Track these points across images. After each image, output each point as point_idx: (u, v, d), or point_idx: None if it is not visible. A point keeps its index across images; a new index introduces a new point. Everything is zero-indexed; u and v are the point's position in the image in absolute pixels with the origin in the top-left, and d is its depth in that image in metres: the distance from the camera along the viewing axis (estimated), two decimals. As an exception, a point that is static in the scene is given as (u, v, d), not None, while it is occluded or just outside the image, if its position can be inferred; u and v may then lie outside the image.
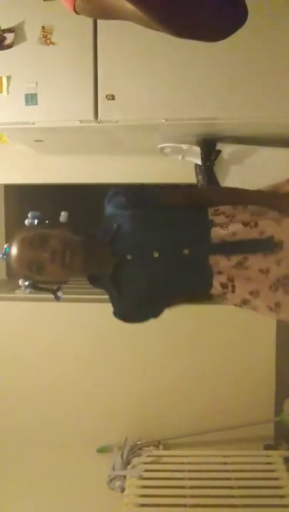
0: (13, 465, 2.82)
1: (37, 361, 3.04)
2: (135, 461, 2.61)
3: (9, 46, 2.05)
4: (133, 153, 2.86)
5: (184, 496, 2.30)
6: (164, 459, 2.62)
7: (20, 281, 1.17)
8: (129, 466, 2.59)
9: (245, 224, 1.15)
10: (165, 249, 1.15)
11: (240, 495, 2.28)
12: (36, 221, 1.21)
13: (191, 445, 2.87)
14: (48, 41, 2.04)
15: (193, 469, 2.49)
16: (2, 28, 2.04)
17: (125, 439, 2.75)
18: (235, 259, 1.15)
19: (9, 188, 3.76)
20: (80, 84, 2.06)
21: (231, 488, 2.33)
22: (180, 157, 2.51)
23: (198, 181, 2.48)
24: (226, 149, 2.33)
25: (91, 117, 2.07)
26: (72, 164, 2.92)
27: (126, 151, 2.84)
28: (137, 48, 2.01)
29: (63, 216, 1.23)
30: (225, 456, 2.58)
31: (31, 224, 1.21)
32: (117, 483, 2.53)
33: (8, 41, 2.04)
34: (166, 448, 2.85)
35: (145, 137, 2.41)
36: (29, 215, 1.23)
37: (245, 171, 2.36)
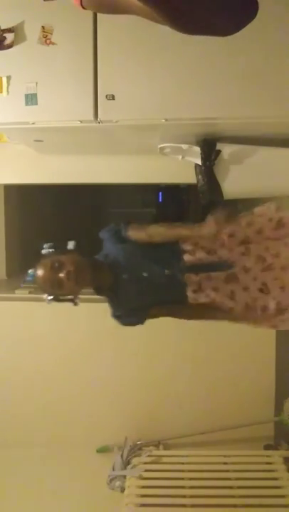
0: (13, 465, 2.82)
1: (37, 361, 3.04)
2: (135, 461, 2.61)
3: (9, 46, 2.05)
4: (133, 153, 2.86)
5: (184, 496, 2.30)
6: (164, 459, 2.63)
7: (45, 296, 1.54)
8: (129, 466, 2.59)
9: (207, 252, 1.58)
10: (152, 270, 1.57)
11: (240, 495, 2.28)
12: (51, 250, 1.55)
13: (191, 445, 2.87)
14: (48, 41, 2.04)
15: (193, 469, 2.49)
16: (2, 28, 2.04)
17: (125, 439, 2.75)
18: (201, 275, 1.57)
19: (9, 188, 3.76)
20: (80, 84, 2.06)
21: (231, 488, 2.33)
22: (180, 157, 2.51)
23: (198, 181, 2.48)
24: (226, 149, 2.33)
25: (91, 117, 2.07)
26: (72, 164, 2.92)
27: (126, 151, 2.84)
28: (137, 48, 2.02)
29: (71, 245, 1.57)
30: (225, 456, 2.59)
31: (48, 252, 1.55)
32: (117, 483, 2.53)
33: (8, 41, 2.04)
34: (166, 448, 2.86)
35: (145, 137, 2.41)
36: (45, 246, 1.56)
37: (245, 171, 2.36)
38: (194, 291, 1.58)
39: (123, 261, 1.58)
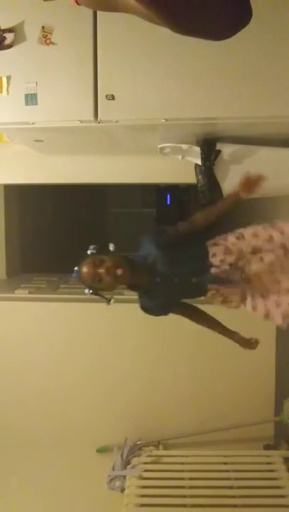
0: (14, 465, 2.82)
1: (37, 361, 3.04)
2: (135, 461, 2.61)
3: (9, 46, 2.05)
4: (133, 153, 2.86)
5: (184, 496, 2.30)
6: (164, 459, 2.63)
7: (86, 290, 1.74)
8: (129, 466, 2.59)
9: (231, 265, 1.78)
10: (182, 278, 1.81)
11: (240, 495, 2.28)
12: (95, 251, 1.75)
13: (191, 445, 2.87)
14: (48, 41, 2.04)
15: (193, 469, 2.49)
16: (2, 28, 2.04)
17: (125, 439, 2.75)
18: (223, 286, 1.81)
19: (9, 188, 3.76)
20: (80, 84, 2.05)
21: (231, 488, 2.33)
22: (180, 157, 2.51)
23: (198, 181, 2.48)
24: (226, 149, 2.33)
25: (91, 117, 2.07)
26: (72, 164, 2.92)
27: (126, 151, 2.84)
28: (137, 48, 2.02)
29: (112, 246, 1.76)
30: (225, 456, 2.59)
31: (92, 253, 1.74)
32: (117, 483, 2.53)
33: (8, 41, 2.04)
34: (166, 448, 2.85)
35: (145, 137, 2.41)
36: (90, 247, 1.76)
37: (246, 171, 2.35)
38: (212, 295, 1.83)
39: (160, 266, 1.78)
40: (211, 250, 1.82)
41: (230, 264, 1.80)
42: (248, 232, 1.84)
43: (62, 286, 3.28)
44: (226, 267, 1.80)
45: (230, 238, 1.85)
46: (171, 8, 0.93)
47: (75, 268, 1.77)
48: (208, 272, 1.80)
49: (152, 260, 1.81)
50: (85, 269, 1.72)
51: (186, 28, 1.01)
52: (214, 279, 1.81)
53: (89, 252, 1.77)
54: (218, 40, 1.14)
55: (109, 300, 1.83)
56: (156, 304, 1.87)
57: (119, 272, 1.69)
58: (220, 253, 1.81)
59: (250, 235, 1.84)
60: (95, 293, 1.77)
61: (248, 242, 1.83)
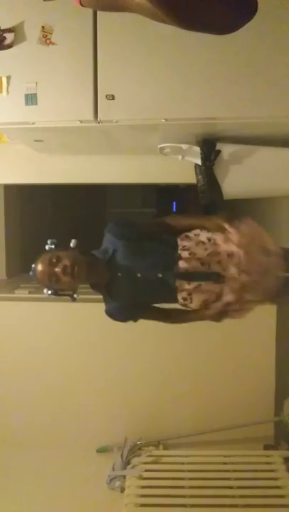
0: (14, 465, 2.82)
1: (37, 361, 3.04)
2: (135, 461, 2.61)
3: (9, 46, 2.05)
4: (133, 153, 2.86)
5: (184, 496, 2.30)
6: (164, 459, 2.62)
7: (45, 291, 1.60)
8: (129, 466, 2.59)
9: (203, 264, 1.62)
10: (146, 272, 1.63)
11: (240, 495, 2.28)
12: (53, 246, 1.61)
13: (191, 445, 2.87)
14: (48, 41, 2.04)
15: (193, 469, 2.49)
16: (2, 28, 2.04)
17: (125, 439, 2.75)
18: (193, 284, 1.63)
19: (9, 188, 3.76)
20: (80, 84, 2.05)
21: (231, 488, 2.33)
22: (180, 157, 2.51)
23: (198, 181, 2.48)
24: (226, 149, 2.33)
25: (91, 117, 2.07)
26: (72, 164, 2.92)
27: (126, 151, 2.84)
28: (137, 48, 2.01)
29: (73, 243, 1.63)
30: (225, 456, 2.59)
31: (50, 248, 1.61)
32: (117, 483, 2.53)
33: (8, 41, 2.04)
34: (166, 448, 2.85)
35: (145, 137, 2.41)
36: (48, 242, 1.61)
37: (245, 171, 2.36)
38: (184, 299, 1.66)
39: (120, 259, 1.63)
40: (182, 243, 1.65)
41: (202, 262, 1.62)
42: (219, 238, 1.67)
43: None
44: (196, 263, 1.61)
45: (204, 234, 1.68)
46: (175, 2, 0.91)
47: (32, 265, 1.60)
48: (176, 266, 1.61)
49: (113, 252, 1.64)
50: (39, 268, 1.56)
51: (190, 20, 1.00)
52: (181, 274, 1.61)
53: (47, 247, 1.61)
54: (222, 34, 1.14)
55: (73, 295, 1.64)
56: (120, 304, 1.67)
57: (76, 270, 1.53)
58: (192, 246, 1.64)
59: (222, 241, 1.66)
60: (55, 293, 1.61)
61: (223, 246, 1.64)
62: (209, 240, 1.67)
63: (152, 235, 1.70)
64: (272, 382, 2.94)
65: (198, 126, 2.18)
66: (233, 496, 2.28)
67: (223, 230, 1.67)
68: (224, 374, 2.95)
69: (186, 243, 1.66)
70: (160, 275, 1.62)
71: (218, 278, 1.62)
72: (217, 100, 2.02)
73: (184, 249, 1.64)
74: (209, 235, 1.68)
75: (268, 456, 2.60)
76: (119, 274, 1.64)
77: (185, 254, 1.63)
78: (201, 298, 1.65)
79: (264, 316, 2.88)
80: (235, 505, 2.22)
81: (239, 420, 2.81)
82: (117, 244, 1.65)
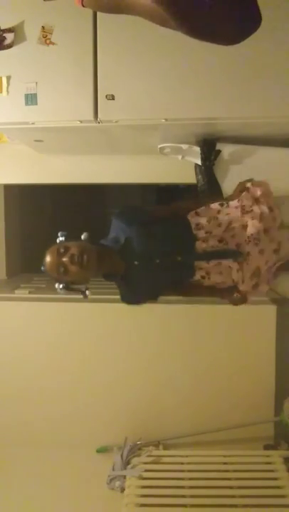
0: (13, 465, 2.82)
1: (37, 361, 3.04)
2: (135, 461, 2.61)
3: (9, 46, 2.05)
4: (133, 153, 2.86)
5: (184, 496, 2.30)
6: (164, 459, 2.62)
7: (56, 285, 1.53)
8: (129, 466, 2.59)
9: (220, 241, 1.61)
10: (164, 257, 1.57)
11: (240, 495, 2.28)
12: (64, 238, 1.56)
13: (191, 445, 2.87)
14: (47, 41, 2.04)
15: (193, 469, 2.49)
16: (2, 28, 2.04)
17: (125, 439, 2.75)
18: (212, 262, 1.62)
19: (9, 188, 3.76)
20: (80, 84, 2.05)
21: (231, 488, 2.33)
22: (180, 157, 2.51)
23: (198, 181, 2.48)
24: (226, 149, 2.33)
25: (91, 117, 2.07)
26: (72, 164, 2.92)
27: (126, 151, 2.84)
28: (137, 48, 2.01)
29: (84, 235, 1.57)
30: (225, 456, 2.58)
31: (60, 241, 1.56)
32: (117, 483, 2.53)
33: (8, 41, 2.04)
34: (166, 448, 2.85)
35: (145, 137, 2.41)
36: (59, 234, 1.57)
37: (245, 171, 2.35)
38: (202, 277, 1.63)
39: (135, 246, 1.57)
40: (194, 220, 1.62)
41: (219, 239, 1.61)
42: (231, 203, 1.67)
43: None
44: (214, 241, 1.60)
45: (214, 206, 1.65)
46: (182, 6, 0.92)
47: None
48: (193, 247, 1.58)
49: (126, 240, 1.58)
50: (48, 259, 1.51)
51: (196, 29, 1.00)
52: (201, 255, 1.60)
53: (58, 240, 1.57)
54: (226, 45, 1.14)
55: (85, 292, 1.60)
56: (139, 291, 1.64)
57: (85, 259, 1.47)
58: (205, 224, 1.61)
59: (234, 206, 1.66)
60: (67, 287, 1.54)
61: (234, 211, 1.64)
62: (219, 211, 1.63)
63: (163, 218, 1.65)
64: (272, 382, 2.94)
65: (198, 126, 2.18)
66: (233, 496, 2.27)
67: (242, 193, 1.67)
68: (224, 374, 2.94)
69: (198, 220, 1.61)
70: (179, 258, 1.58)
71: (238, 256, 1.61)
72: (217, 100, 2.02)
73: (198, 228, 1.60)
74: (218, 206, 1.65)
75: (267, 456, 2.60)
76: (136, 263, 1.57)
77: (201, 233, 1.59)
78: (218, 279, 1.65)
79: (264, 316, 2.88)
80: (235, 505, 2.22)
81: (239, 420, 2.81)
82: (129, 232, 1.59)
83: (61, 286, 1.53)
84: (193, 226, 1.60)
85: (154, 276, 1.61)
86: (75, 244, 1.51)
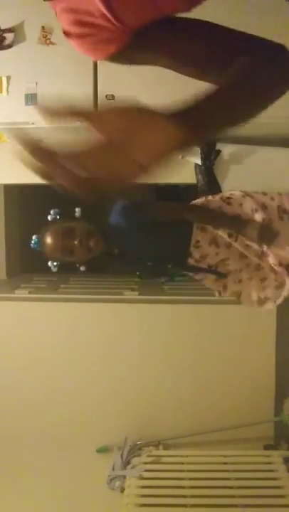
0: (14, 465, 2.82)
1: (37, 361, 3.04)
2: (135, 461, 2.61)
3: (9, 46, 2.05)
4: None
5: (184, 496, 2.30)
6: (164, 459, 2.62)
7: (50, 263, 1.55)
8: (129, 466, 2.59)
9: (210, 266, 1.64)
10: (157, 262, 1.64)
11: (240, 495, 2.28)
12: (58, 216, 1.57)
13: (191, 445, 2.87)
14: (47, 41, 2.04)
15: (193, 469, 2.49)
16: (2, 28, 2.04)
17: (125, 439, 2.75)
18: (198, 276, 1.69)
19: (9, 188, 3.76)
20: (80, 84, 2.06)
21: (231, 488, 2.33)
22: (180, 157, 2.51)
23: (198, 181, 2.48)
24: (226, 149, 2.33)
25: (91, 117, 2.07)
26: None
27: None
28: (137, 48, 2.01)
29: (78, 212, 1.58)
30: (225, 456, 2.58)
31: (54, 219, 1.56)
32: (117, 483, 2.53)
33: (8, 41, 2.05)
34: (166, 448, 2.85)
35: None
36: (51, 212, 1.57)
37: (245, 171, 2.36)
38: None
39: (130, 245, 1.63)
40: (195, 236, 1.60)
41: (209, 265, 1.63)
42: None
43: (62, 286, 3.27)
44: (204, 264, 1.63)
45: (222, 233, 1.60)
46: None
47: (34, 237, 1.55)
48: (185, 262, 1.62)
49: (125, 240, 1.61)
50: (50, 240, 1.51)
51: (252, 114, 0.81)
52: (190, 267, 1.65)
53: (50, 217, 1.56)
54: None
55: (79, 268, 1.61)
56: (142, 257, 1.67)
57: (92, 243, 1.50)
58: (204, 245, 1.61)
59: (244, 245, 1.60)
60: (62, 266, 1.58)
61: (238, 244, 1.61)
62: (230, 236, 1.58)
63: (164, 223, 1.62)
64: (272, 382, 2.94)
65: (198, 126, 2.18)
66: (233, 496, 2.27)
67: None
68: (224, 374, 2.94)
69: (200, 237, 1.59)
70: (170, 266, 1.68)
71: (222, 276, 1.67)
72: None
73: (197, 245, 1.59)
74: (227, 237, 1.60)
75: (267, 456, 2.60)
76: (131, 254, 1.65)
77: (196, 254, 1.60)
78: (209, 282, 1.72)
79: (264, 316, 2.88)
80: (235, 505, 2.22)
81: (239, 420, 2.81)
82: (131, 236, 1.60)
83: (55, 264, 1.56)
84: (193, 241, 1.59)
85: (146, 259, 1.68)
86: (80, 228, 1.52)
